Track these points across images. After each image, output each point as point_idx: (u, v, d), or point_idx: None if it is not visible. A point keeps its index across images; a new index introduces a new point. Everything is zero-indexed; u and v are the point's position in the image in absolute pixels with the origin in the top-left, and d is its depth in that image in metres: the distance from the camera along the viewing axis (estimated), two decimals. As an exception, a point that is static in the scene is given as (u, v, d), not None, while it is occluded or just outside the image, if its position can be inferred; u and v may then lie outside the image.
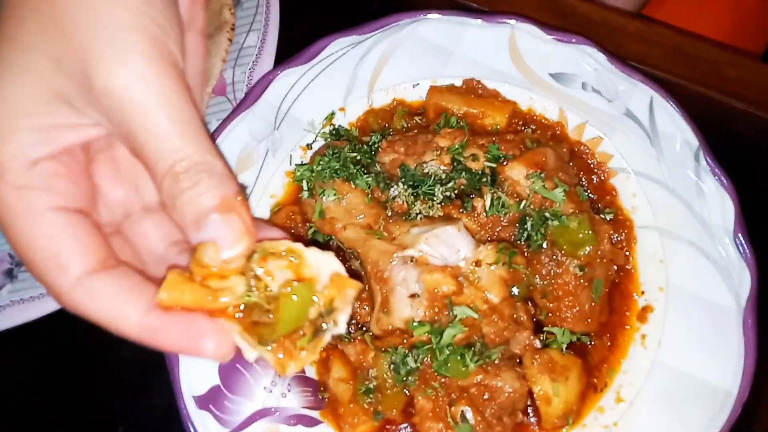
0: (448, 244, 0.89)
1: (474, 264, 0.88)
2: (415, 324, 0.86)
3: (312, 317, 0.58)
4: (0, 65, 0.57)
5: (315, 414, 0.98)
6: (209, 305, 0.55)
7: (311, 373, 1.02)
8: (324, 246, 1.00)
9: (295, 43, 1.14)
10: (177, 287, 0.55)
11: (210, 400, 0.95)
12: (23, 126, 0.57)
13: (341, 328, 0.60)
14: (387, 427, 0.98)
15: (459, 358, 0.86)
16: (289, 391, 0.99)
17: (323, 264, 0.59)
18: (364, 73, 1.13)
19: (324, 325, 0.59)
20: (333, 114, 1.13)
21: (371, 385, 0.93)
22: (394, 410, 0.93)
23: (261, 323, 0.57)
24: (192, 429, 0.93)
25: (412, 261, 0.88)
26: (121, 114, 0.55)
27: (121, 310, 0.57)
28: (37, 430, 1.08)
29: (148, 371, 1.09)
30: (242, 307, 0.57)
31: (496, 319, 0.86)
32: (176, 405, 1.05)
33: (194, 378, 0.96)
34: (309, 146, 1.12)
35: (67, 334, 1.11)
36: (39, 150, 0.58)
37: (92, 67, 0.55)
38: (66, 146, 0.60)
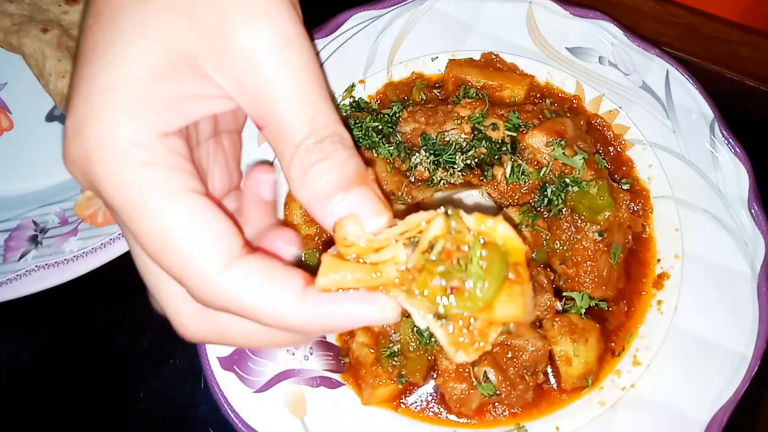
0: (472, 208, 0.91)
1: (497, 226, 0.90)
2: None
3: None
4: (127, 25, 0.51)
5: (336, 377, 1.00)
6: (376, 281, 0.51)
7: (332, 338, 1.04)
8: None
9: (316, 16, 1.16)
10: (335, 269, 0.51)
11: (234, 362, 0.97)
12: (155, 93, 0.50)
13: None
14: (408, 389, 0.99)
15: (482, 317, 0.87)
16: (311, 354, 1.00)
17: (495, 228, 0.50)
18: (384, 46, 1.15)
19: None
20: (353, 86, 1.14)
21: (395, 348, 0.94)
22: (418, 373, 0.95)
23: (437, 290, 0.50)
24: (217, 389, 0.94)
25: (436, 223, 0.89)
26: (257, 78, 0.50)
27: (277, 298, 0.51)
28: (60, 395, 1.09)
29: (170, 336, 1.10)
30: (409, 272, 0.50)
31: (520, 278, 0.88)
32: (197, 370, 1.07)
33: (218, 340, 0.97)
34: (329, 117, 1.13)
35: (90, 299, 1.12)
36: (167, 121, 0.51)
37: (232, 23, 0.50)
38: (190, 120, 0.53)
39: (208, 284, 0.50)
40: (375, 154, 1.02)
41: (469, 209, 0.52)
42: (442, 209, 0.52)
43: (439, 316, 0.50)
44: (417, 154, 1.01)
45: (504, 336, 0.89)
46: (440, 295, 0.50)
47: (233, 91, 0.52)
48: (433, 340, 0.92)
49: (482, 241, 0.50)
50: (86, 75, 0.50)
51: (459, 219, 0.51)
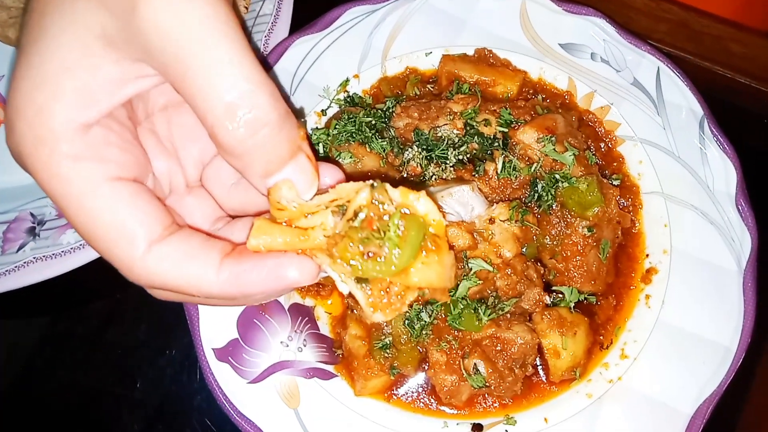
0: (463, 203, 0.92)
1: (488, 221, 0.92)
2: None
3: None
4: (47, 22, 0.53)
5: (329, 368, 1.01)
6: (303, 245, 0.54)
7: (326, 331, 1.05)
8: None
9: (310, 11, 1.16)
10: (265, 232, 0.54)
11: (229, 353, 0.98)
12: (68, 87, 0.52)
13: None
14: (400, 381, 1.01)
15: (473, 311, 0.89)
16: (305, 346, 1.02)
17: (417, 203, 0.54)
18: (378, 41, 1.16)
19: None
20: (347, 81, 1.15)
21: (387, 341, 0.96)
22: (409, 365, 0.97)
23: (361, 256, 0.53)
24: (212, 379, 0.96)
25: (428, 218, 0.91)
26: (168, 49, 0.49)
27: (198, 270, 0.55)
28: (57, 385, 1.11)
29: (166, 330, 1.13)
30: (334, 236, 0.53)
31: (509, 272, 0.90)
32: (192, 361, 1.09)
33: (213, 332, 0.99)
34: (324, 112, 1.15)
35: (88, 291, 1.14)
36: (87, 114, 0.53)
37: None
38: (112, 107, 0.55)
39: (132, 267, 0.54)
40: (368, 149, 1.03)
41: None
42: (370, 181, 0.54)
43: (359, 280, 0.54)
44: (410, 149, 1.02)
45: (493, 329, 0.91)
46: (359, 260, 0.53)
47: (147, 59, 0.52)
48: (424, 333, 0.94)
49: (405, 212, 0.53)
50: (15, 74, 0.53)
51: (384, 191, 0.54)
